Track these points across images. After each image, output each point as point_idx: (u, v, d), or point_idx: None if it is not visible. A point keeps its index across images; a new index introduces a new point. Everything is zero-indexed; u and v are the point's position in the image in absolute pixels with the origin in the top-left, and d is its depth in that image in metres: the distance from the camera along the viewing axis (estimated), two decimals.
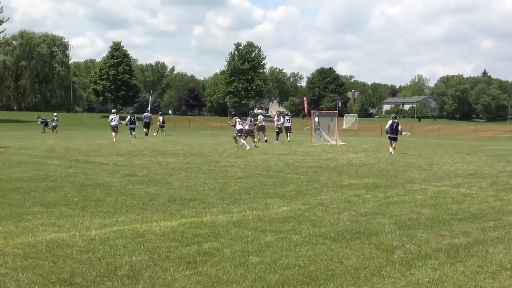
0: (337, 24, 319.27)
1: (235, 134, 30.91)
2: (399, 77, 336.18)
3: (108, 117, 43.60)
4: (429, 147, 36.45)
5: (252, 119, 35.12)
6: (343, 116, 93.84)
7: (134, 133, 42.44)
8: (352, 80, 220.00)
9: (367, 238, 8.34)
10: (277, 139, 38.56)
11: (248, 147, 29.35)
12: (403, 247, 7.85)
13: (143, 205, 10.89)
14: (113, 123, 40.23)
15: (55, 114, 59.70)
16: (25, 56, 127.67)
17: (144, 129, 47.87)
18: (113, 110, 44.40)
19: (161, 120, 51.74)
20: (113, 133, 39.09)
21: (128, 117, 42.72)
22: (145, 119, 49.38)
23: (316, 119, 40.46)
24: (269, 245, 7.76)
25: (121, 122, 41.54)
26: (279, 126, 40.40)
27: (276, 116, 42.58)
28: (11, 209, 10.20)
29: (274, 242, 7.94)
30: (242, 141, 30.16)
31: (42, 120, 56.83)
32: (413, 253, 7.52)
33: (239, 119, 31.76)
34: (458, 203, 12.05)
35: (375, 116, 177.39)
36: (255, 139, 34.01)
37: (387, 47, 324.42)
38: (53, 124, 55.11)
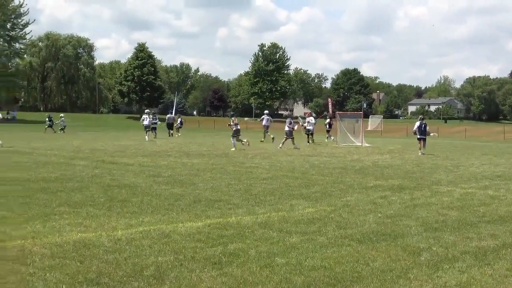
0: (361, 25, 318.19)
1: (233, 135, 31.15)
2: (424, 78, 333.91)
3: (140, 118, 44.01)
4: (456, 149, 36.17)
5: (292, 121, 35.09)
6: (368, 118, 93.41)
7: (153, 133, 42.14)
8: (377, 81, 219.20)
9: (393, 240, 8.28)
10: (308, 141, 38.24)
11: (233, 148, 29.51)
12: (430, 249, 7.78)
13: (168, 206, 10.92)
14: (145, 122, 40.57)
15: (62, 115, 59.69)
16: (51, 57, 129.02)
17: (169, 130, 48.09)
18: (146, 110, 44.44)
19: (179, 122, 52.01)
20: (146, 133, 39.44)
21: (145, 116, 42.56)
22: (168, 120, 49.60)
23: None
24: (294, 247, 7.74)
25: (155, 122, 41.81)
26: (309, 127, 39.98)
27: (307, 118, 42.14)
28: (38, 209, 10.28)
29: (300, 244, 7.91)
30: (233, 141, 30.49)
31: (48, 120, 56.14)
32: (440, 256, 7.44)
33: (236, 120, 32.02)
34: (485, 205, 11.93)
35: (401, 118, 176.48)
36: (303, 140, 34.74)
37: (412, 48, 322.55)
38: (62, 124, 54.94)
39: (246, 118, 70.23)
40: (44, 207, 10.51)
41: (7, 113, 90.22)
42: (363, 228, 9.09)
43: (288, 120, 34.31)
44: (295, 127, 34.79)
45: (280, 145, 31.68)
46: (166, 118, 50.73)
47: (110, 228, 8.70)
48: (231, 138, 30.72)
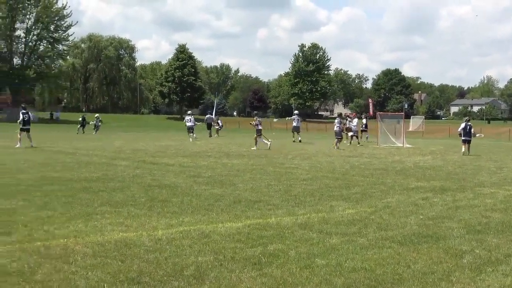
0: (403, 25, 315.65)
1: (255, 135, 31.42)
2: (466, 78, 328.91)
3: (181, 118, 44.35)
4: (499, 150, 35.59)
5: (342, 120, 35.01)
6: (410, 118, 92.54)
7: (192, 134, 41.59)
8: (418, 82, 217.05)
9: (435, 242, 8.17)
10: (350, 142, 37.79)
11: (269, 144, 30.07)
12: (473, 252, 7.66)
13: (208, 206, 10.96)
14: (189, 124, 40.90)
15: (97, 115, 57.84)
16: (93, 58, 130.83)
17: (209, 131, 48.28)
18: (188, 112, 44.74)
19: (219, 123, 52.10)
20: (190, 134, 39.71)
21: (189, 117, 42.53)
22: (207, 120, 49.83)
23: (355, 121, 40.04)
24: (334, 248, 7.70)
25: (196, 123, 42.00)
26: (355, 129, 39.31)
27: (351, 119, 41.53)
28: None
29: (340, 245, 7.86)
30: (264, 141, 30.78)
31: (82, 120, 54.03)
32: (483, 258, 7.32)
33: (260, 119, 32.04)
34: None
35: (443, 118, 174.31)
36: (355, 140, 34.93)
37: (455, 47, 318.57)
38: (96, 124, 53.12)
39: (275, 120, 69.91)
40: (86, 206, 10.65)
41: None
42: (404, 230, 9.00)
43: (337, 120, 34.03)
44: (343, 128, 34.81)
45: (335, 147, 31.66)
46: (205, 118, 51.00)
47: (151, 228, 8.77)
48: (258, 138, 31.25)
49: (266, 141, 30.72)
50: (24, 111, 29.65)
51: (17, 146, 27.75)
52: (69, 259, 6.86)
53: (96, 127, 52.90)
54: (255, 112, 40.68)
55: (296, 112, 44.07)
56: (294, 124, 41.01)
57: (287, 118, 42.92)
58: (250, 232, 8.54)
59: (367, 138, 42.65)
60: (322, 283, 6.14)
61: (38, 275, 6.19)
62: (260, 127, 31.56)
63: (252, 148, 30.04)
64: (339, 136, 32.80)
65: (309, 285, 6.07)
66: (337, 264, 6.86)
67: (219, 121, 53.04)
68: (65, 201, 11.16)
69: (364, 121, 44.17)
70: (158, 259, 6.94)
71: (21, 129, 28.73)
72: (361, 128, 41.84)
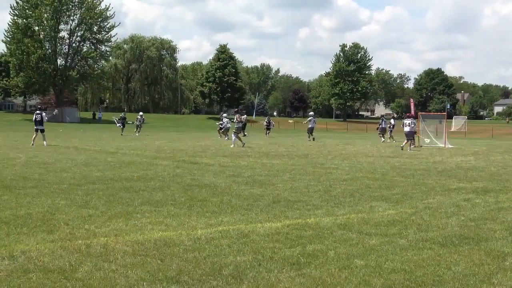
0: (446, 24, 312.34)
1: (234, 131, 32.46)
2: (511, 78, 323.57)
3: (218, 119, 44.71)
4: None
5: (386, 120, 34.96)
6: (452, 118, 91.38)
7: (226, 135, 42.17)
8: (461, 81, 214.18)
9: (476, 244, 8.05)
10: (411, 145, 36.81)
11: (232, 145, 30.87)
12: None
13: (247, 206, 10.97)
14: (229, 125, 41.30)
15: (141, 113, 54.92)
16: (135, 59, 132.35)
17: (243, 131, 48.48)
18: (224, 114, 45.08)
19: (271, 123, 52.29)
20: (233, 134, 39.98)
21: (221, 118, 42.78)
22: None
23: (392, 121, 39.61)
24: (374, 249, 7.64)
25: (228, 124, 42.23)
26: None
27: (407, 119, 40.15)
28: (121, 207, 10.53)
29: (379, 246, 7.80)
30: (233, 138, 31.87)
31: (121, 119, 51.74)
32: None
33: (243, 116, 32.75)
34: None
35: (486, 118, 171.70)
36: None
37: (499, 47, 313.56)
38: (138, 124, 50.25)
39: (290, 120, 69.86)
40: (126, 205, 10.76)
41: None
42: (445, 231, 8.88)
43: (411, 121, 32.58)
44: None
45: (409, 149, 30.85)
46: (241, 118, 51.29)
47: (190, 227, 8.81)
48: (232, 134, 32.23)
49: (231, 139, 32.08)
50: (38, 111, 30.42)
51: (31, 145, 28.46)
52: (109, 257, 6.94)
53: (139, 127, 50.20)
54: (237, 109, 40.47)
55: (311, 113, 44.21)
56: (310, 125, 41.19)
57: (306, 119, 43.00)
58: (289, 232, 8.52)
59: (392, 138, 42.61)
60: (361, 284, 6.10)
61: (79, 273, 6.27)
62: (240, 125, 32.46)
63: (231, 146, 30.94)
64: (411, 137, 31.71)
65: (348, 286, 6.03)
66: (376, 265, 6.80)
67: (270, 121, 53.24)
68: (106, 200, 11.30)
69: (392, 121, 44.06)
70: (197, 258, 6.97)
71: (35, 129, 29.58)
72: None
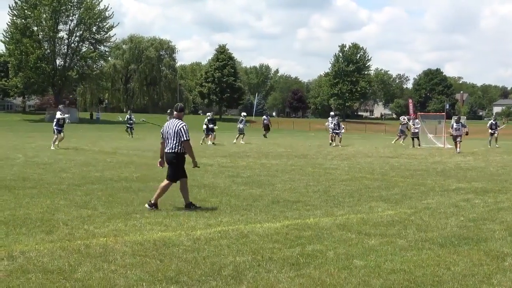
0: (444, 24, 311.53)
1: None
2: (510, 78, 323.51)
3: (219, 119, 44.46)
4: None
5: (415, 121, 35.63)
6: (451, 119, 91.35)
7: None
8: (460, 82, 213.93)
9: (476, 244, 8.06)
10: (413, 145, 36.01)
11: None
12: None
13: (247, 206, 10.98)
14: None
15: (129, 111, 49.06)
16: (134, 59, 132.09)
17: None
18: (243, 114, 45.03)
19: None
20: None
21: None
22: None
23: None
24: (373, 249, 7.64)
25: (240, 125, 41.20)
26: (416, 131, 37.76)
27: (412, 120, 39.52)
28: (120, 207, 10.53)
29: (379, 246, 7.81)
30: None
31: (129, 120, 44.03)
32: None
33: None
34: None
35: (485, 119, 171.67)
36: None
37: (498, 47, 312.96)
38: (128, 125, 43.66)
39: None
40: (125, 206, 10.77)
41: None
42: (444, 232, 8.89)
43: (416, 121, 34.71)
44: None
45: (418, 145, 33.89)
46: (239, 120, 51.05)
47: (189, 228, 8.82)
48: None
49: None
50: (67, 115, 30.33)
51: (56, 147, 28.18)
52: (109, 257, 6.95)
53: (130, 129, 43.49)
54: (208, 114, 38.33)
55: (331, 113, 44.15)
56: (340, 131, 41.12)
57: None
58: (288, 233, 8.53)
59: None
60: (361, 284, 6.10)
61: (78, 273, 6.28)
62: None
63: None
64: (415, 136, 34.77)
65: (347, 286, 6.04)
66: (375, 266, 6.81)
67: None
68: (105, 201, 11.31)
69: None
70: (196, 259, 6.98)
71: (58, 131, 29.35)
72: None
